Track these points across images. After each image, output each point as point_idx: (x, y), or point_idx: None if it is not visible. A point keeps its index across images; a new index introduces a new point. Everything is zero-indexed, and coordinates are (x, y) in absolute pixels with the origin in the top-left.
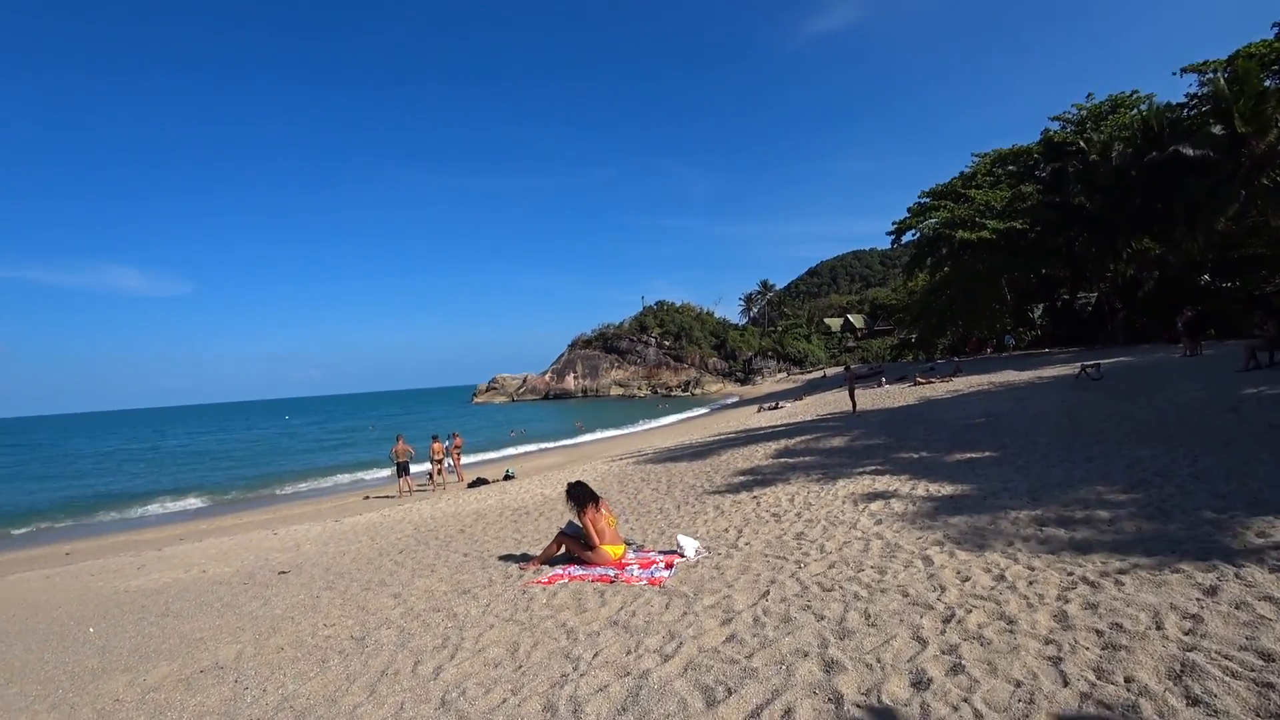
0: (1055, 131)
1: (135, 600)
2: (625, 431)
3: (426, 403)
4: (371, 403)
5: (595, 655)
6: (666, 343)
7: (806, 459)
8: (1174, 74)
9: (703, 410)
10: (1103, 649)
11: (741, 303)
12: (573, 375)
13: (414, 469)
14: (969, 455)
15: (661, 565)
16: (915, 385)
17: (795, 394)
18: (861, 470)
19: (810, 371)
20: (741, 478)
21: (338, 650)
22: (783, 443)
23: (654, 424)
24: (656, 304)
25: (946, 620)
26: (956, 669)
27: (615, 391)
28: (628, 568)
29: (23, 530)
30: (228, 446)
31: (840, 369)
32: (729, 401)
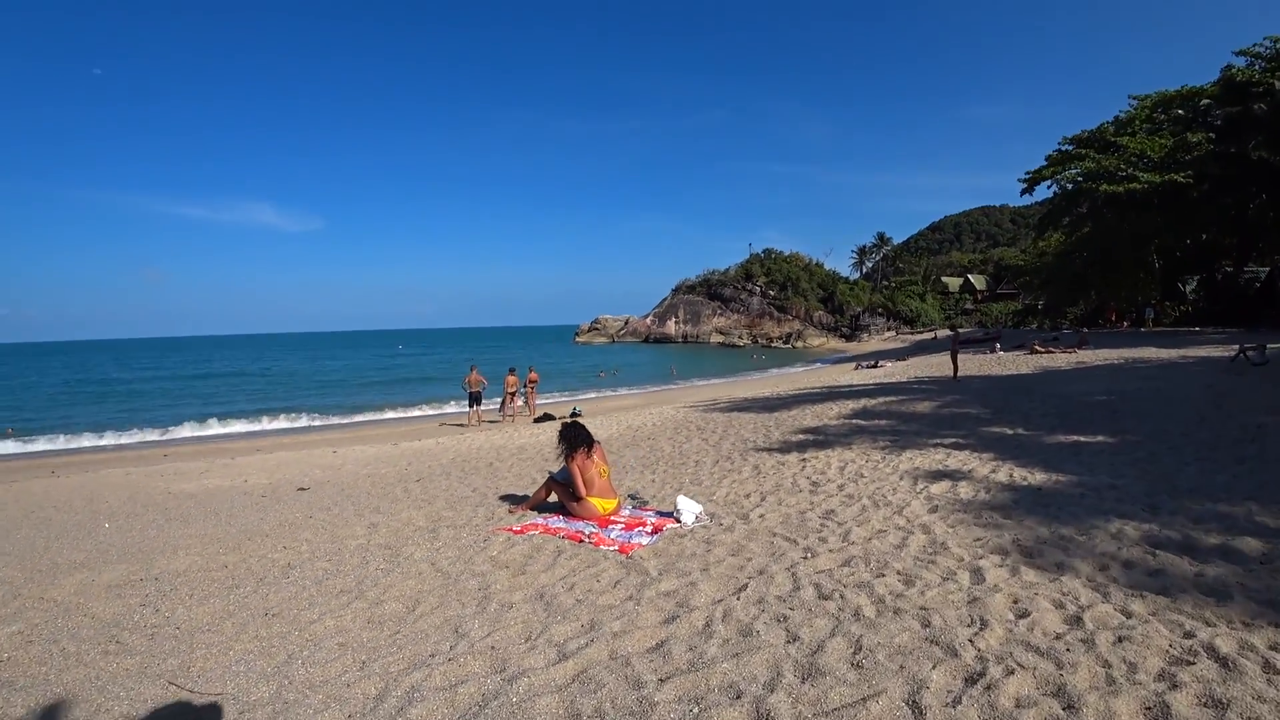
0: (1240, 69)
1: (168, 503)
2: (713, 381)
3: (530, 339)
4: (477, 337)
5: (486, 635)
6: (771, 292)
7: (880, 423)
8: None
9: (801, 366)
10: None
11: (854, 255)
12: (674, 320)
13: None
14: (1075, 438)
15: (648, 529)
16: (1032, 354)
17: (900, 354)
18: (938, 442)
19: (921, 332)
20: (800, 436)
21: (259, 577)
22: (862, 402)
23: (745, 376)
24: (764, 252)
25: (970, 680)
26: None
27: (715, 339)
28: (609, 527)
29: (145, 436)
30: (342, 373)
31: (949, 331)
32: (831, 359)
